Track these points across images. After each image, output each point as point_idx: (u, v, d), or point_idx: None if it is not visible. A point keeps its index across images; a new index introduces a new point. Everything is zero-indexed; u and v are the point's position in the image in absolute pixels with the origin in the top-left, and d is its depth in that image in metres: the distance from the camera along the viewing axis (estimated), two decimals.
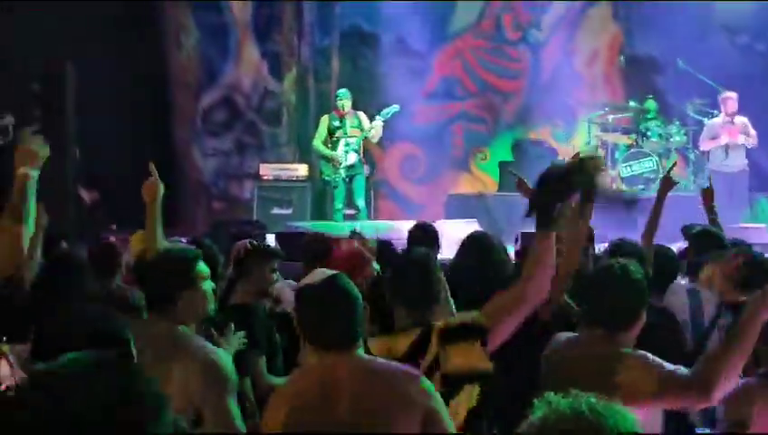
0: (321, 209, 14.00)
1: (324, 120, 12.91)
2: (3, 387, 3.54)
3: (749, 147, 13.47)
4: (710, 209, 7.35)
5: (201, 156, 15.05)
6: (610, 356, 4.05)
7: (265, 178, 13.89)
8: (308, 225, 12.30)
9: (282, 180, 13.89)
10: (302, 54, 15.25)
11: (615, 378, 3.94)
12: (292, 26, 15.14)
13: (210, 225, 12.77)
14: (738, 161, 13.39)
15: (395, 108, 12.67)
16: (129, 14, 14.37)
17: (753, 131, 13.43)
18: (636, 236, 6.42)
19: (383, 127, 12.66)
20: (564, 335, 4.39)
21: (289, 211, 13.55)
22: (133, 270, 4.50)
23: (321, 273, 3.78)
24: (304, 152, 14.63)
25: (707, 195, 7.47)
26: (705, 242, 6.51)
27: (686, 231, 6.88)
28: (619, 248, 5.84)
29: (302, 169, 14.05)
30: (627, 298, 4.20)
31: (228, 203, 14.89)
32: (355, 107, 13.03)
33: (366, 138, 12.70)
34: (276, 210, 13.52)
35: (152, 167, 5.30)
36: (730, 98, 13.45)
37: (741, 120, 13.53)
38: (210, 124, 15.13)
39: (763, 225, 12.55)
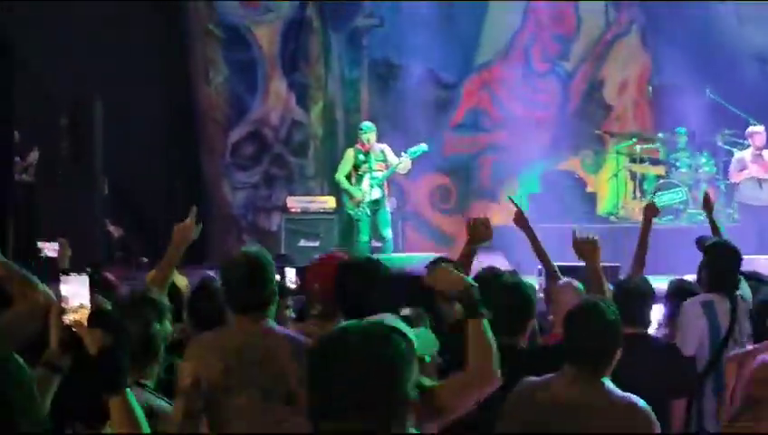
0: (348, 241, 13.98)
1: (349, 153, 12.80)
2: None
3: None
4: (711, 217, 7.33)
5: (230, 189, 15.14)
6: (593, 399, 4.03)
7: (293, 210, 13.92)
8: None
9: (309, 212, 13.91)
10: (329, 86, 15.33)
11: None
12: (319, 58, 15.23)
13: None
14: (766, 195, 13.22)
15: (423, 147, 12.57)
16: (159, 50, 14.56)
17: None
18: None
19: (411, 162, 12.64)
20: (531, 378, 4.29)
21: (316, 244, 13.56)
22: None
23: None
24: (332, 184, 14.67)
25: (708, 200, 7.50)
26: (720, 253, 6.39)
27: (701, 242, 6.81)
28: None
29: (329, 202, 14.07)
30: (600, 338, 4.13)
31: (257, 235, 14.94)
32: (384, 138, 12.99)
33: (393, 172, 12.63)
34: (303, 242, 13.54)
35: (194, 211, 5.28)
36: (758, 132, 13.30)
37: None
38: (239, 158, 15.23)
39: None
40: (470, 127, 15.70)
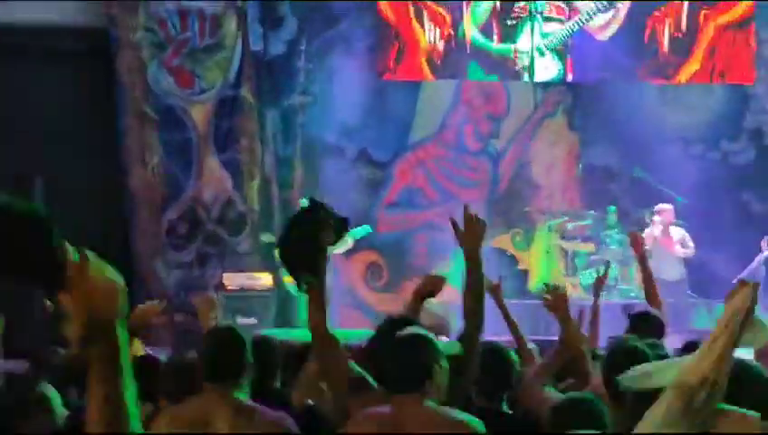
0: (284, 318, 14.01)
1: None
2: None
3: (685, 257, 13.71)
4: (641, 259, 7.26)
5: (165, 269, 15.04)
6: None
7: (229, 287, 13.90)
8: (275, 332, 12.29)
9: (246, 290, 13.91)
10: (265, 162, 15.40)
11: None
12: (254, 135, 15.32)
13: (174, 337, 12.82)
14: (675, 271, 13.59)
15: (367, 229, 12.99)
16: (95, 130, 14.59)
17: (691, 243, 13.67)
18: None
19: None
20: None
21: (254, 321, 13.53)
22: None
23: None
24: (268, 261, 14.67)
25: (637, 241, 7.38)
26: (645, 325, 6.20)
27: (628, 312, 6.86)
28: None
29: (265, 279, 14.08)
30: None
31: (191, 315, 14.82)
32: None
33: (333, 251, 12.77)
34: (241, 319, 13.50)
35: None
36: (665, 210, 13.73)
37: (679, 231, 13.83)
38: (173, 237, 15.16)
39: None
40: (404, 205, 15.86)
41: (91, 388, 2.09)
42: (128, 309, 2.15)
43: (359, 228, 12.91)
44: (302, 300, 12.21)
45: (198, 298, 5.95)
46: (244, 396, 4.55)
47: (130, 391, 2.10)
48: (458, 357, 4.63)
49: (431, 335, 4.35)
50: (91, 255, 2.14)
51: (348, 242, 12.80)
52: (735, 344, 2.74)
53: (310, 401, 5.29)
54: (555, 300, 5.68)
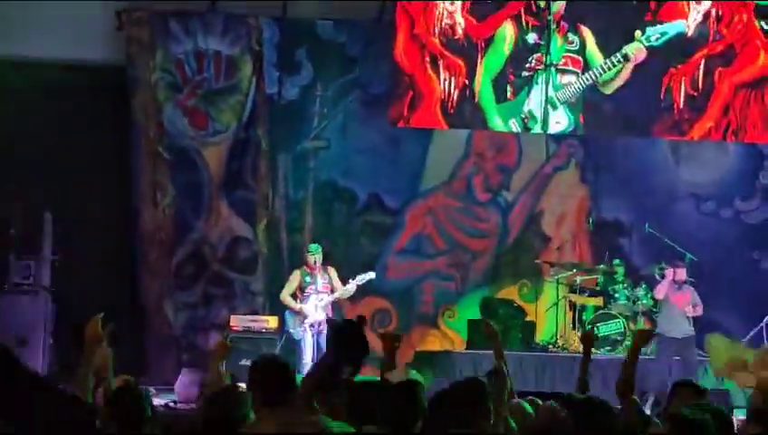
0: (289, 361, 13.95)
1: (296, 274, 13.23)
2: None
3: (694, 316, 13.63)
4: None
5: (173, 309, 15.03)
6: None
7: (235, 328, 13.88)
8: None
9: (251, 332, 13.89)
10: (275, 205, 15.43)
11: None
12: (266, 177, 15.35)
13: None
14: (684, 328, 13.52)
15: (371, 275, 13.13)
16: (108, 170, 14.69)
17: (699, 302, 13.58)
18: None
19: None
20: None
21: None
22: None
23: None
24: (275, 304, 14.67)
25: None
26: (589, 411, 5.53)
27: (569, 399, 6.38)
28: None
29: (271, 321, 14.06)
30: None
31: (196, 354, 14.80)
32: (327, 261, 13.30)
33: (338, 297, 13.01)
34: (245, 361, 13.44)
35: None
36: (677, 268, 13.62)
37: (689, 290, 13.78)
38: (180, 278, 15.17)
39: None
40: (414, 252, 15.84)
41: None
42: None
43: (363, 275, 12.98)
44: (305, 344, 12.37)
45: (216, 342, 6.15)
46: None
47: None
48: None
49: None
50: None
51: (353, 288, 12.97)
52: None
53: None
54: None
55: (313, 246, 13.25)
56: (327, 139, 15.60)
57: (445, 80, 15.28)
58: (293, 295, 13.06)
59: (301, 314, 12.89)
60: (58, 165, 14.03)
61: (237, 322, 14.04)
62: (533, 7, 15.26)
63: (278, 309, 14.13)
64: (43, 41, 14.44)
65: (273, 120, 15.40)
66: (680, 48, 15.36)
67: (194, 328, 15.17)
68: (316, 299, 12.94)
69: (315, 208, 15.60)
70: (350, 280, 13.00)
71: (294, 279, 13.11)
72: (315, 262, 13.00)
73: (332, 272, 13.15)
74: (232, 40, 15.34)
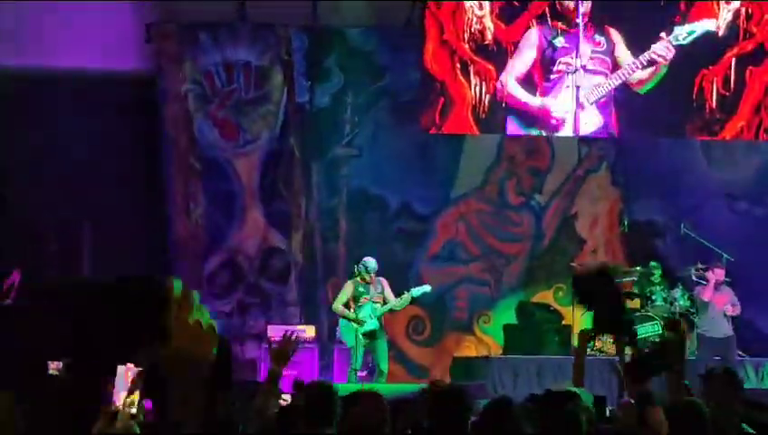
0: (326, 370, 14.01)
1: (349, 285, 13.22)
2: None
3: (732, 315, 13.66)
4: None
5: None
6: None
7: (273, 338, 13.87)
8: None
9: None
10: (309, 214, 15.43)
11: None
12: (300, 187, 15.36)
13: None
14: (724, 328, 13.52)
15: (426, 288, 13.20)
16: (140, 182, 14.72)
17: (737, 302, 13.62)
18: None
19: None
20: None
21: (295, 372, 13.49)
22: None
23: None
24: (310, 313, 14.67)
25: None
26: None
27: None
28: None
29: (308, 331, 14.07)
30: None
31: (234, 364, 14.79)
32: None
33: (392, 308, 13.06)
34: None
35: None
36: (717, 269, 13.77)
37: (728, 290, 13.77)
38: (213, 286, 15.19)
39: None
40: (446, 258, 15.81)
41: None
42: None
43: (419, 288, 13.12)
44: (358, 352, 12.48)
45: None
46: None
47: None
48: None
49: None
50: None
51: (407, 298, 13.05)
52: None
53: None
54: None
55: (371, 265, 13.17)
56: (359, 146, 15.60)
57: (475, 85, 15.26)
58: (346, 305, 13.12)
59: (357, 323, 12.96)
60: (91, 178, 14.05)
61: (274, 332, 14.03)
62: (558, 8, 15.23)
63: (314, 319, 14.15)
64: (74, 53, 14.49)
65: (304, 129, 15.42)
66: (711, 48, 15.32)
67: (228, 337, 15.15)
68: (371, 309, 13.01)
69: (348, 216, 15.59)
70: (405, 292, 13.10)
71: (347, 290, 13.18)
72: (371, 276, 13.10)
73: (385, 283, 13.24)
74: (261, 50, 15.37)
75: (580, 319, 15.14)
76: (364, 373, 12.89)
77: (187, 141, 15.24)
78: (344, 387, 11.39)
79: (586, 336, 6.76)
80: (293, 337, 6.26)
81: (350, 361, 12.95)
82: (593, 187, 16.13)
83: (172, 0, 15.16)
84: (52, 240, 12.14)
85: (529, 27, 15.25)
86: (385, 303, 13.06)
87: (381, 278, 13.23)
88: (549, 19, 15.21)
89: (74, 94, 14.48)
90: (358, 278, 13.15)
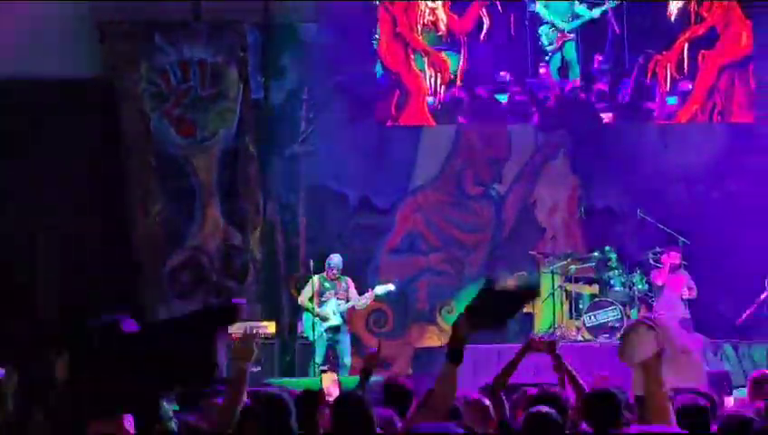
0: (289, 366, 14.06)
1: (315, 280, 13.51)
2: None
3: (689, 299, 13.85)
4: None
5: (168, 317, 15.02)
6: None
7: (234, 335, 13.85)
8: (277, 381, 12.34)
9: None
10: (268, 211, 15.44)
11: None
12: (257, 184, 15.35)
13: None
14: (680, 312, 13.71)
15: (391, 287, 13.63)
16: (97, 181, 14.66)
17: (694, 285, 13.81)
18: None
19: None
20: None
21: (257, 369, 13.52)
22: None
23: None
24: (272, 309, 14.69)
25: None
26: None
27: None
28: None
29: (269, 327, 14.08)
30: None
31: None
32: (322, 265, 13.59)
33: (355, 305, 13.54)
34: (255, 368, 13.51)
35: None
36: (672, 253, 14.07)
37: (684, 274, 13.91)
38: (176, 285, 15.17)
39: None
40: (406, 250, 15.86)
41: None
42: None
43: (384, 286, 13.54)
44: (320, 347, 12.65)
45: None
46: None
47: None
48: None
49: None
50: None
51: (370, 296, 13.49)
52: None
53: None
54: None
55: (337, 261, 13.59)
56: (316, 142, 15.60)
57: (431, 76, 15.32)
58: (311, 300, 13.35)
59: (321, 318, 13.11)
60: (48, 180, 13.99)
61: (235, 328, 14.01)
62: None
63: (275, 315, 14.21)
64: (26, 58, 14.42)
65: (260, 126, 15.40)
66: (663, 33, 15.46)
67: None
68: (335, 305, 13.20)
69: (308, 212, 15.61)
70: (370, 289, 13.34)
71: (312, 285, 13.47)
72: (336, 273, 13.44)
73: (350, 282, 13.62)
74: (216, 47, 15.32)
75: (541, 306, 15.27)
76: (326, 368, 12.98)
77: (144, 139, 15.19)
78: (306, 383, 11.49)
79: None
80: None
81: (312, 356, 13.11)
82: (552, 174, 16.20)
83: (127, 0, 15.10)
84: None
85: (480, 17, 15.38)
86: (348, 300, 13.27)
87: (347, 278, 13.59)
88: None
89: (32, 99, 14.42)
90: (324, 274, 13.36)
